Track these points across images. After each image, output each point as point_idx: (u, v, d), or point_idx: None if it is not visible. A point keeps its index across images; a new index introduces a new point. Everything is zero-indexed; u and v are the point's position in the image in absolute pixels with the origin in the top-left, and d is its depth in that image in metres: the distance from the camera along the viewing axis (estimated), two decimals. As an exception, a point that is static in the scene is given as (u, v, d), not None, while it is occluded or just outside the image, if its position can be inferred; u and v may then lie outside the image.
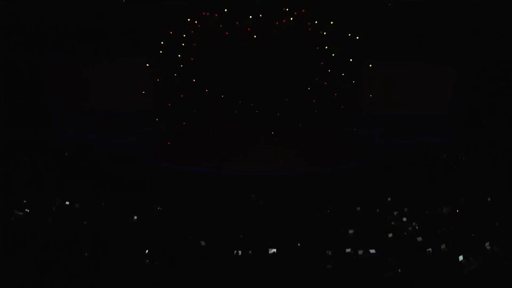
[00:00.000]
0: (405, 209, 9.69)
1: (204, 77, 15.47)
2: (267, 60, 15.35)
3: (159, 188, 11.59)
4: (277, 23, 14.71)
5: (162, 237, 8.48)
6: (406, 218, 9.25)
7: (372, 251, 7.89)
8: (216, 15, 14.21)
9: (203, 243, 8.24)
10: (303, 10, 14.20)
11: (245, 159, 13.88)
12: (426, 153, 13.97)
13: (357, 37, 14.25)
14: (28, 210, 9.45)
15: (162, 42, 14.25)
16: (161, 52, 14.60)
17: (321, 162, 13.71)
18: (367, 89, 15.00)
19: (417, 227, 8.91)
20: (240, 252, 7.94)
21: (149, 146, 14.73)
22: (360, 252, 7.92)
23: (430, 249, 7.80)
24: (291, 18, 14.36)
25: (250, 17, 14.50)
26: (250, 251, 8.00)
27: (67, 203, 9.92)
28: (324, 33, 14.47)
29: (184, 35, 14.36)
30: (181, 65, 14.91)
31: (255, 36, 14.95)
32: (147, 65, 14.61)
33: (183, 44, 14.69)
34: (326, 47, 14.57)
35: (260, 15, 14.35)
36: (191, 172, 13.31)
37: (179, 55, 14.71)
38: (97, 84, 14.63)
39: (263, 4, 13.92)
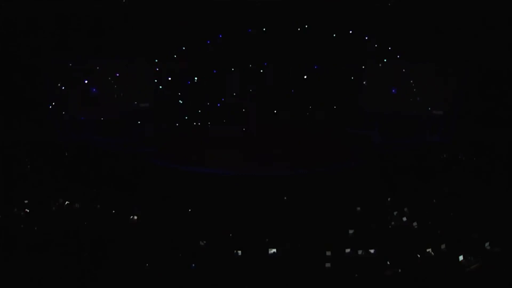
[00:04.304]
0: (405, 209, 9.69)
1: (204, 77, 15.53)
2: (267, 60, 15.41)
3: (160, 188, 11.60)
4: (276, 24, 14.80)
5: (162, 237, 8.49)
6: (406, 218, 9.26)
7: (372, 251, 7.90)
8: (217, 17, 14.27)
9: (203, 243, 8.26)
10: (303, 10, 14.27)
11: (244, 159, 13.90)
12: (426, 153, 13.97)
13: (358, 37, 14.34)
14: (28, 210, 9.46)
15: (163, 43, 14.34)
16: (162, 52, 14.69)
17: (320, 162, 13.71)
18: (367, 89, 15.05)
19: (417, 227, 8.92)
20: (240, 252, 7.95)
21: (149, 146, 14.75)
22: (360, 252, 7.93)
23: (430, 249, 7.81)
24: (290, 19, 14.44)
25: (250, 17, 14.57)
26: (250, 251, 8.01)
27: (67, 203, 9.92)
28: (325, 32, 14.54)
29: (185, 35, 14.42)
30: (181, 65, 14.99)
31: (256, 37, 15.01)
32: (149, 65, 14.75)
33: (183, 44, 14.77)
34: (327, 47, 14.65)
35: (260, 15, 14.41)
36: (191, 172, 13.32)
37: (180, 56, 14.78)
38: (97, 84, 14.67)
39: (263, 5, 13.94)
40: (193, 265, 7.49)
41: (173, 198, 10.72)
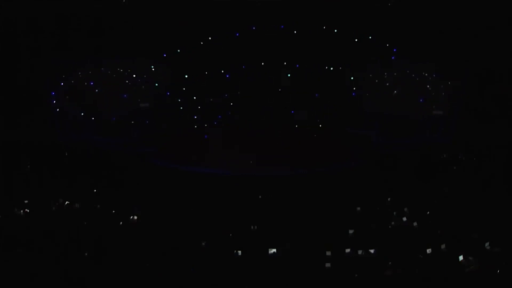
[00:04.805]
0: (405, 209, 9.69)
1: (204, 78, 15.53)
2: (267, 60, 15.41)
3: (160, 188, 11.60)
4: (277, 23, 14.79)
5: (162, 237, 8.49)
6: (406, 218, 9.26)
7: (372, 251, 7.90)
8: (217, 16, 14.26)
9: (203, 243, 8.26)
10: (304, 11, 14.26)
11: (244, 159, 13.89)
12: (426, 153, 13.98)
13: (358, 37, 14.33)
14: (28, 210, 9.46)
15: (163, 43, 14.33)
16: (162, 52, 14.69)
17: (320, 162, 13.71)
18: (367, 89, 15.05)
19: (417, 227, 8.92)
20: (240, 252, 7.95)
21: (149, 146, 14.75)
22: (360, 252, 7.93)
23: (430, 249, 7.81)
24: (291, 19, 14.44)
25: (252, 18, 14.56)
26: (250, 251, 8.01)
27: (67, 203, 9.92)
28: (325, 33, 14.54)
29: (186, 36, 14.42)
30: (182, 66, 14.99)
31: (256, 37, 15.00)
32: (148, 65, 14.74)
33: (184, 45, 14.77)
34: (327, 47, 14.64)
35: (262, 16, 14.40)
36: (191, 172, 13.32)
37: (180, 56, 14.77)
38: (97, 84, 14.67)
39: (265, 6, 13.94)
40: (193, 269, 7.49)
41: (173, 198, 10.72)
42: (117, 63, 14.56)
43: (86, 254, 7.68)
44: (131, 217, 9.41)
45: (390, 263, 7.43)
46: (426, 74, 14.60)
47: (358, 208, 9.94)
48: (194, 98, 15.60)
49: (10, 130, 13.71)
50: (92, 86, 14.68)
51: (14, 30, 13.53)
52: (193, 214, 9.85)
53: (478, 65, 13.53)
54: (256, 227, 9.16)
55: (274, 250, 7.98)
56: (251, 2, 13.87)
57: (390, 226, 9.09)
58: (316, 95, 15.51)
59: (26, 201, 9.85)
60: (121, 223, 9.21)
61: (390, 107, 14.65)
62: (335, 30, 14.39)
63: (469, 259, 7.45)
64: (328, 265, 7.52)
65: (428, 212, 9.55)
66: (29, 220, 9.13)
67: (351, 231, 8.73)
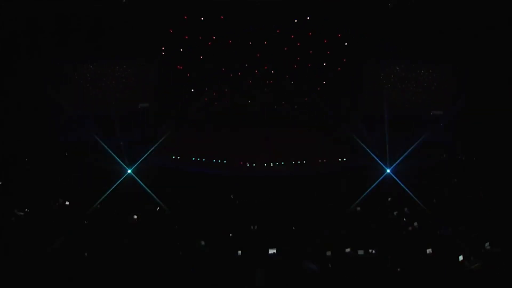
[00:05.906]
0: (405, 209, 9.69)
1: (203, 78, 15.53)
2: (266, 60, 15.40)
3: (160, 188, 11.60)
4: (276, 23, 14.78)
5: (162, 237, 8.49)
6: (406, 218, 9.26)
7: (372, 251, 7.90)
8: (216, 16, 14.26)
9: (203, 243, 8.26)
10: (303, 11, 14.24)
11: (244, 159, 13.88)
12: (426, 153, 13.97)
13: (358, 37, 14.33)
14: (28, 210, 9.46)
15: (163, 43, 14.33)
16: (162, 52, 14.69)
17: (320, 162, 13.71)
18: (367, 89, 15.04)
19: (417, 227, 8.92)
20: (240, 252, 7.95)
21: (149, 145, 14.74)
22: (360, 252, 7.93)
23: (430, 249, 7.81)
24: (291, 19, 14.42)
25: (250, 18, 14.54)
26: (250, 251, 8.01)
27: (67, 203, 9.93)
28: (324, 33, 14.53)
29: (185, 36, 14.43)
30: (181, 66, 15.00)
31: (254, 37, 14.99)
32: (148, 65, 14.74)
33: (183, 45, 14.77)
34: (326, 47, 14.64)
35: (260, 16, 14.39)
36: (191, 172, 13.32)
37: (179, 56, 14.78)
38: (98, 84, 14.66)
39: (263, 6, 13.92)
40: (192, 269, 7.49)
41: (173, 198, 10.72)
42: (117, 63, 14.55)
43: (86, 254, 7.69)
44: (131, 217, 9.43)
45: (389, 263, 7.44)
46: (426, 74, 14.58)
47: (358, 208, 9.95)
48: (194, 98, 15.60)
49: (10, 130, 13.70)
50: (92, 86, 14.67)
51: (14, 30, 13.52)
52: (193, 214, 9.86)
53: (478, 65, 13.51)
54: (256, 227, 9.17)
55: (274, 250, 7.99)
56: (251, 2, 13.85)
57: (390, 226, 9.10)
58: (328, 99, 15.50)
59: (26, 201, 9.87)
60: (121, 223, 9.22)
61: (390, 107, 14.64)
62: (335, 30, 14.39)
63: (469, 259, 7.46)
64: (328, 265, 7.54)
65: (428, 212, 9.57)
66: (29, 220, 9.14)
67: (351, 231, 8.73)
